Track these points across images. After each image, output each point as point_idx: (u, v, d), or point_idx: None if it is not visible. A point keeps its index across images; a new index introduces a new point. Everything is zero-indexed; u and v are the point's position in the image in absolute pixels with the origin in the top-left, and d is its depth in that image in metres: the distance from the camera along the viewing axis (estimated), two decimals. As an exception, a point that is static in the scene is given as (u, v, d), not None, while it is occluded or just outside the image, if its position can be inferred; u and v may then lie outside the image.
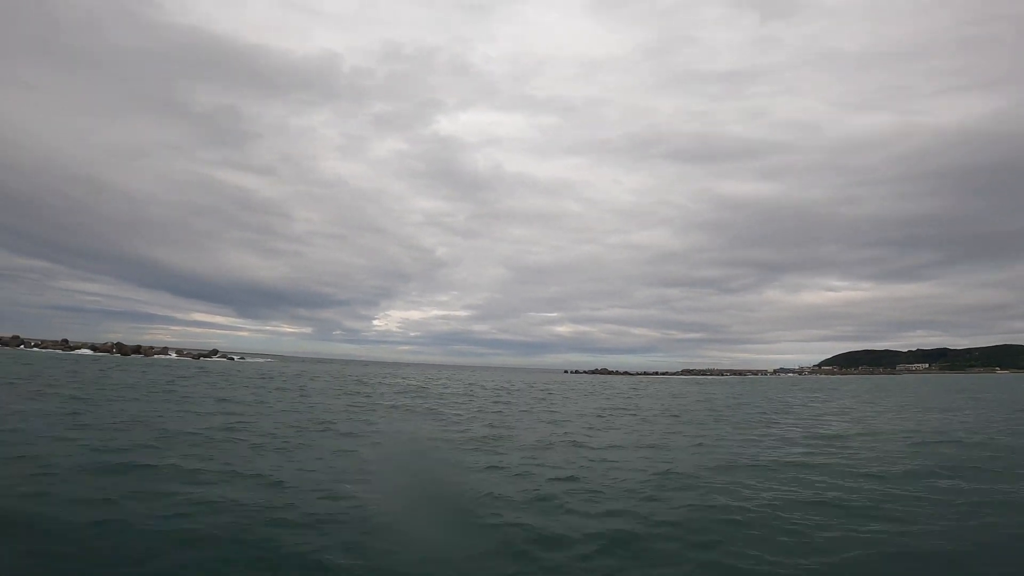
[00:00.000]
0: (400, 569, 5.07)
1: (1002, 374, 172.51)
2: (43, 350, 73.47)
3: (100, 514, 6.04)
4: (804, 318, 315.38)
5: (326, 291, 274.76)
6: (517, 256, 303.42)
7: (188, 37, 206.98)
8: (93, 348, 77.96)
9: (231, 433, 11.96)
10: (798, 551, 5.73)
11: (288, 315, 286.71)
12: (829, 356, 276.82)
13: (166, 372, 36.00)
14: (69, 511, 6.08)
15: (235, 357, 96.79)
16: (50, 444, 9.54)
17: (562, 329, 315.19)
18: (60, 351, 73.33)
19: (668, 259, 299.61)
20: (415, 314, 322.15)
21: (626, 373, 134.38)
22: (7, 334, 76.93)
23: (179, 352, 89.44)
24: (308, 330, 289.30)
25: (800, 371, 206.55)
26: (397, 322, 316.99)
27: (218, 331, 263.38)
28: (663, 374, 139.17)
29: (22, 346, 73.92)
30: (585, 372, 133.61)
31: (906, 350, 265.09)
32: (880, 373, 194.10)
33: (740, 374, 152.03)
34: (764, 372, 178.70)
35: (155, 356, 76.76)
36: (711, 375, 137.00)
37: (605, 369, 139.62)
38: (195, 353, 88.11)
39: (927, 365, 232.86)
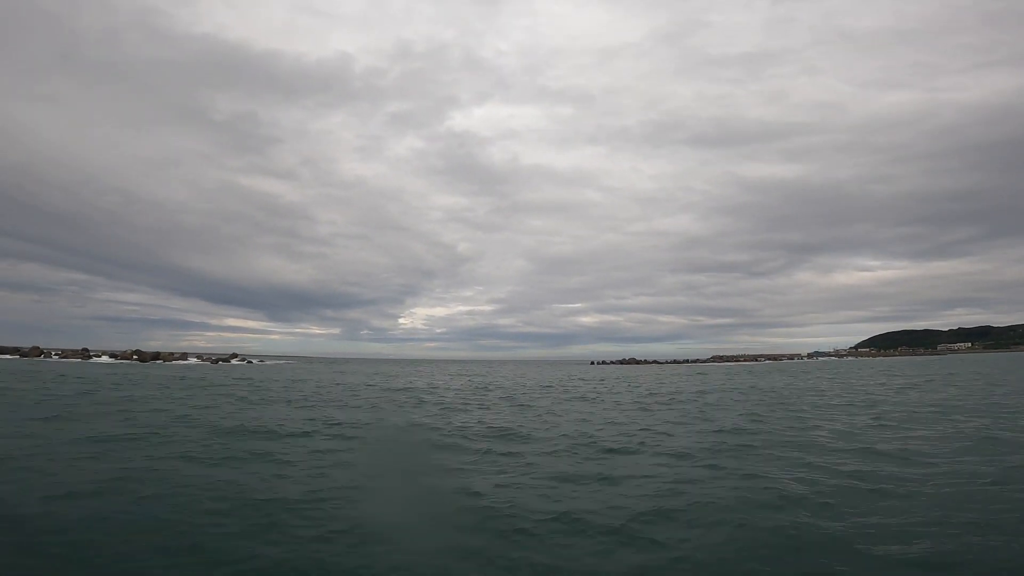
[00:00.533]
0: None
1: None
2: (63, 359, 72.87)
3: None
4: (838, 299, 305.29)
5: (352, 291, 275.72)
6: (539, 248, 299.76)
7: (203, 46, 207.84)
8: (112, 356, 77.05)
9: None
10: None
11: (316, 317, 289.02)
12: (865, 338, 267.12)
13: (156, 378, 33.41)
14: None
15: (256, 360, 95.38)
16: None
17: (587, 319, 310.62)
18: (79, 360, 72.58)
19: (693, 244, 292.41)
20: (440, 310, 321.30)
21: (655, 362, 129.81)
22: (27, 345, 76.51)
23: (200, 357, 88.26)
24: (336, 331, 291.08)
25: (837, 354, 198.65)
26: (422, 319, 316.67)
27: (250, 335, 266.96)
28: (693, 361, 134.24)
29: (42, 356, 73.22)
30: (613, 363, 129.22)
31: (947, 329, 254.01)
32: (922, 354, 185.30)
33: (775, 359, 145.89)
34: (798, 356, 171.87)
35: (174, 362, 75.38)
36: (744, 360, 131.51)
37: (633, 359, 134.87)
38: (214, 358, 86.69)
39: (969, 344, 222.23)
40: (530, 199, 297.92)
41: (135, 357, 75.21)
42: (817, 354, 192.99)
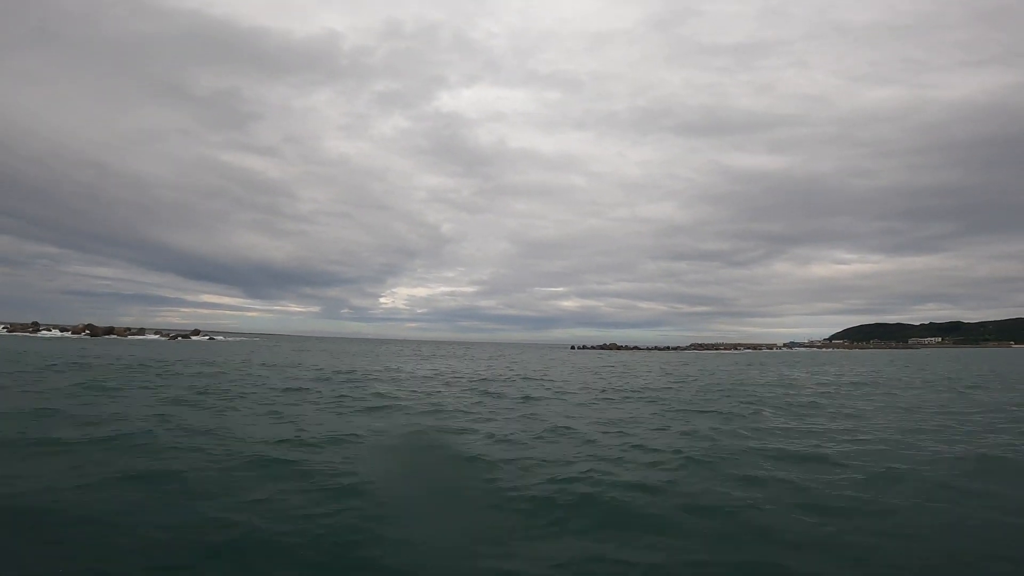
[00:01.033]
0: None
1: (1018, 347, 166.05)
2: (11, 333, 67.84)
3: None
4: (814, 291, 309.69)
5: (333, 269, 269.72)
6: (523, 231, 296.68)
7: (189, 21, 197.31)
8: (62, 330, 72.13)
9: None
10: None
11: (296, 294, 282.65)
12: (839, 330, 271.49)
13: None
14: None
15: (220, 337, 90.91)
16: None
17: (568, 304, 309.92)
18: (28, 334, 67.59)
19: (675, 232, 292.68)
20: (422, 291, 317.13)
21: (636, 348, 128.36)
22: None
23: (159, 333, 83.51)
24: (316, 309, 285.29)
25: (812, 345, 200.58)
26: (404, 299, 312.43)
27: (228, 312, 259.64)
28: (674, 349, 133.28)
29: (-14, 329, 68.02)
30: (592, 348, 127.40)
31: (918, 323, 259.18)
32: (893, 347, 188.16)
33: (755, 347, 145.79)
34: (774, 346, 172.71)
35: (129, 337, 70.77)
36: (723, 349, 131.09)
37: (614, 344, 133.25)
38: (173, 333, 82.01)
39: (940, 339, 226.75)
40: (515, 182, 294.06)
41: (86, 332, 70.41)
42: (793, 344, 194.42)
